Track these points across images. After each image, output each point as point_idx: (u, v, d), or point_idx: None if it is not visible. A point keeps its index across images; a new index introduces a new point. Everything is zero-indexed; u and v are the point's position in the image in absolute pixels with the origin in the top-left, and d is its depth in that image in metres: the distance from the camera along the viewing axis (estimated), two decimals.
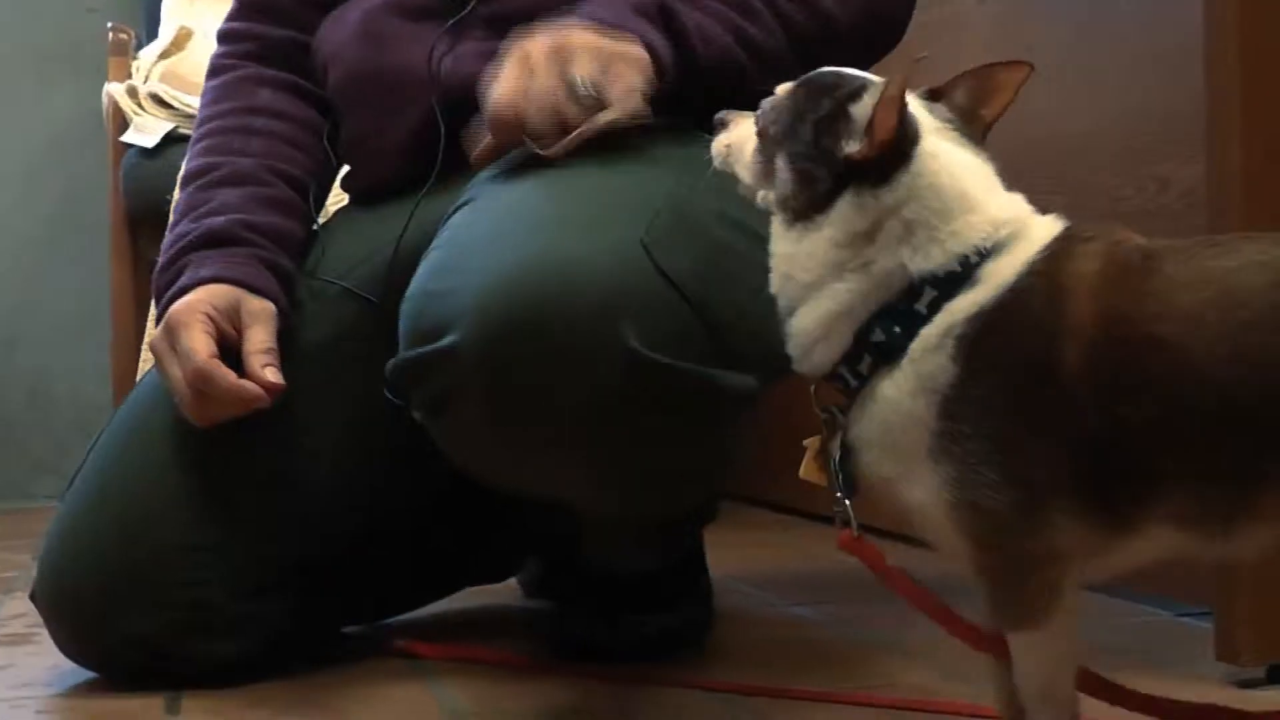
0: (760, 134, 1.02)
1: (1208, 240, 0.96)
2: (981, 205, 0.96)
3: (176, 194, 1.57)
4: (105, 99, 2.88)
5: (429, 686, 1.43)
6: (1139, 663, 1.42)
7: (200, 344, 1.36)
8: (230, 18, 1.64)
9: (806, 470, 1.04)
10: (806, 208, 0.97)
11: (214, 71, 1.62)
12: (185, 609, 1.41)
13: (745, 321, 1.20)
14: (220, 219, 1.45)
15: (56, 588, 1.43)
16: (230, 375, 1.35)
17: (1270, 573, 1.28)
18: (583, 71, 1.22)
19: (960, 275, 0.94)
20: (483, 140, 1.28)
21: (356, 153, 1.55)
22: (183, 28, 2.90)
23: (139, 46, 3.01)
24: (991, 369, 0.92)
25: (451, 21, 1.44)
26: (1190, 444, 0.89)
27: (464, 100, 1.31)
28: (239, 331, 1.39)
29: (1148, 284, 0.91)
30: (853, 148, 0.95)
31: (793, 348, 1.00)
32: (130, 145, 2.79)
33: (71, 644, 1.45)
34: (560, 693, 1.40)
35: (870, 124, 0.94)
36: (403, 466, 1.48)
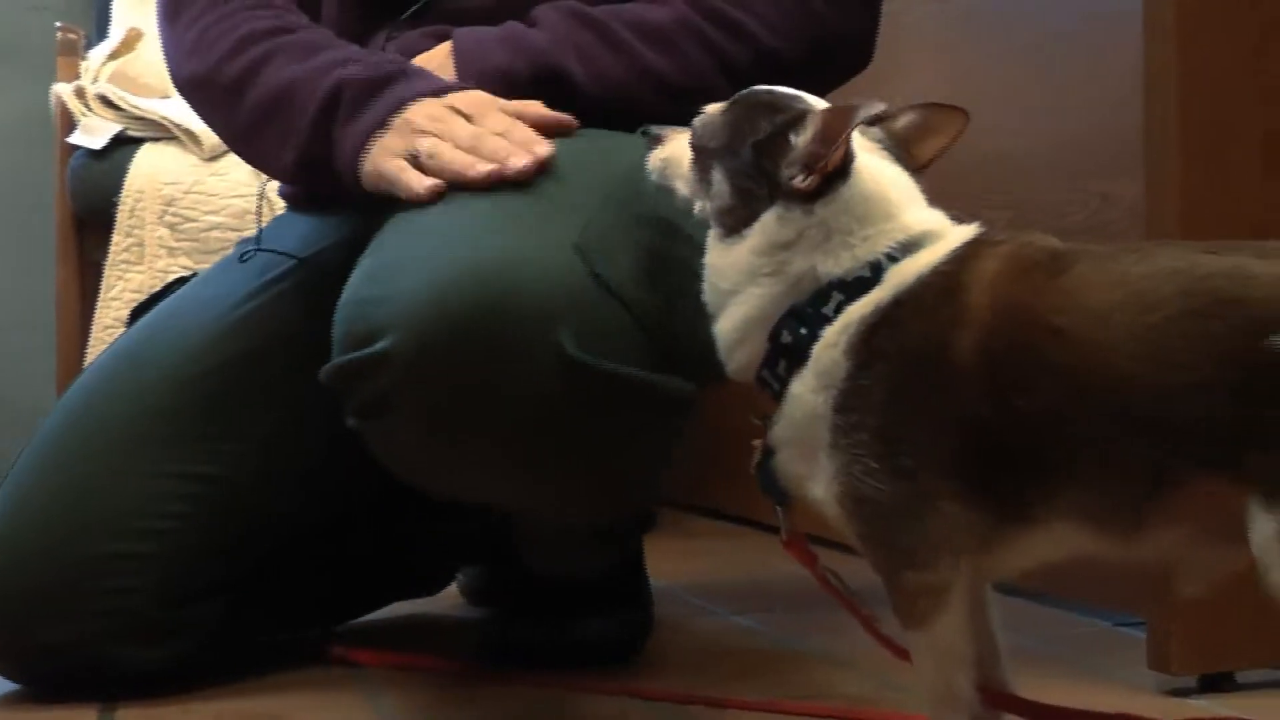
0: (696, 149, 1.05)
1: (1128, 246, 0.98)
2: (897, 215, 1.00)
3: (203, 60, 1.40)
4: (53, 99, 2.86)
5: (368, 695, 1.43)
6: (1074, 671, 1.43)
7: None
8: None
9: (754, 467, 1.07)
10: (742, 222, 1.02)
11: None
12: (111, 617, 1.39)
13: (682, 326, 1.20)
14: (370, 56, 1.35)
15: None
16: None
17: (1174, 581, 1.30)
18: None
19: (868, 280, 0.98)
20: None
21: None
22: (133, 29, 2.88)
23: (88, 46, 2.99)
24: (880, 359, 0.96)
25: (407, 14, 1.43)
26: (1089, 438, 0.90)
27: None
28: None
29: (1054, 280, 0.93)
30: (797, 178, 0.99)
31: (720, 353, 1.04)
32: (78, 146, 2.77)
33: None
34: (500, 701, 1.40)
35: (814, 159, 0.98)
36: (333, 475, 1.47)
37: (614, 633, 1.53)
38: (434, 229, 1.19)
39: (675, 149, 1.08)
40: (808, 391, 0.98)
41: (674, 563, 1.97)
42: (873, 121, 1.03)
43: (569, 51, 1.34)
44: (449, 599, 1.82)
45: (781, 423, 1.01)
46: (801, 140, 0.99)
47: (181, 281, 1.62)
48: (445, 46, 1.37)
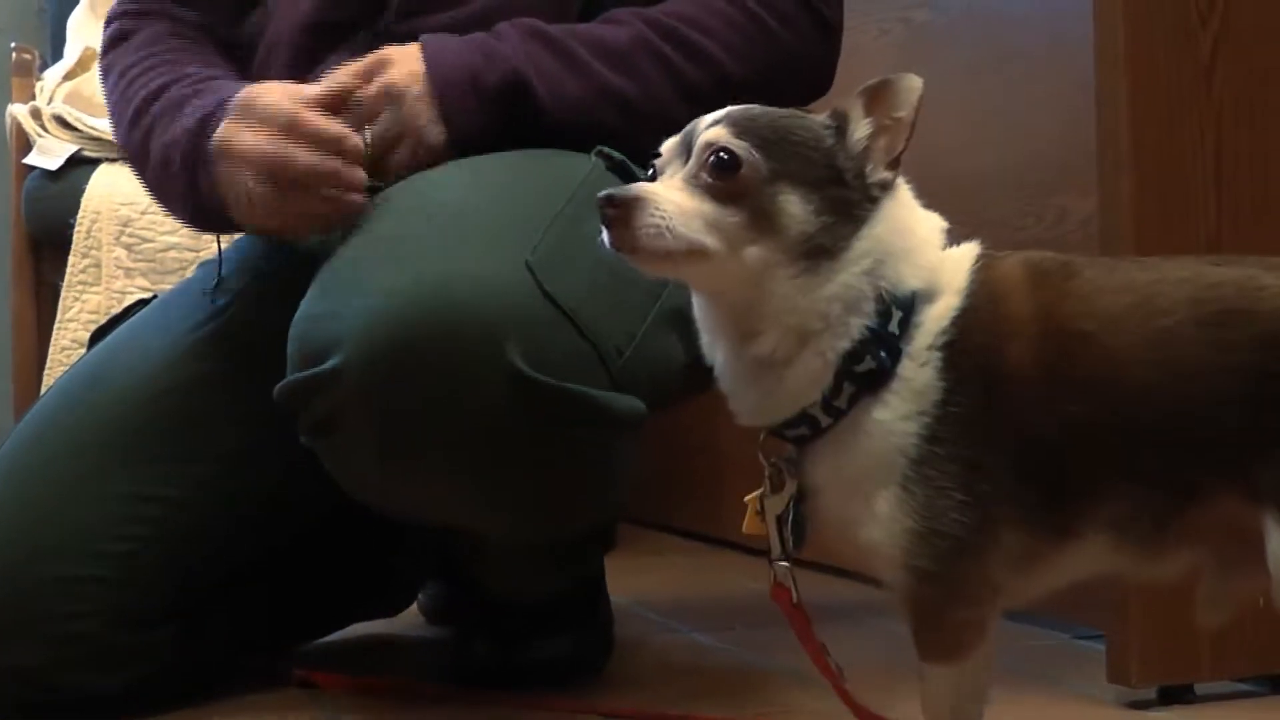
0: (740, 184, 0.92)
1: (1132, 259, 0.98)
2: (926, 215, 0.97)
3: (120, 131, 1.46)
4: (8, 120, 2.84)
5: (329, 716, 1.42)
6: (1035, 684, 1.44)
7: (277, 96, 1.27)
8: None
9: (750, 526, 1.02)
10: (839, 241, 0.92)
11: (106, 70, 1.51)
12: (67, 643, 1.38)
13: (633, 344, 1.21)
14: (214, 93, 1.35)
15: None
16: (323, 116, 1.26)
17: (1159, 598, 1.31)
18: (382, 128, 1.27)
19: (924, 293, 0.93)
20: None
21: None
22: (88, 48, 2.86)
23: (43, 67, 2.97)
24: (967, 379, 0.91)
25: (370, 36, 1.43)
26: (1117, 446, 0.90)
27: None
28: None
29: (1069, 285, 0.92)
30: (881, 174, 0.93)
31: (765, 411, 0.95)
32: (33, 167, 2.76)
33: None
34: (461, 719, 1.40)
35: (891, 146, 0.93)
36: (292, 497, 1.47)
37: (574, 651, 1.52)
38: (386, 245, 1.19)
39: (673, 202, 0.92)
40: (894, 417, 0.91)
41: (635, 579, 1.97)
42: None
43: (530, 68, 1.33)
44: (409, 619, 1.81)
45: (831, 463, 0.94)
46: (859, 134, 0.93)
47: (142, 304, 1.61)
48: (414, 47, 1.33)
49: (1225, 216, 1.37)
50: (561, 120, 1.33)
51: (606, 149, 1.15)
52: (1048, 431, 0.90)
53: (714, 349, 0.98)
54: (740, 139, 0.92)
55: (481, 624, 1.54)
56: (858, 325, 0.92)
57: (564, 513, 1.30)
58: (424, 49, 1.32)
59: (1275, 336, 0.87)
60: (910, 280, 0.93)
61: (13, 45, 2.97)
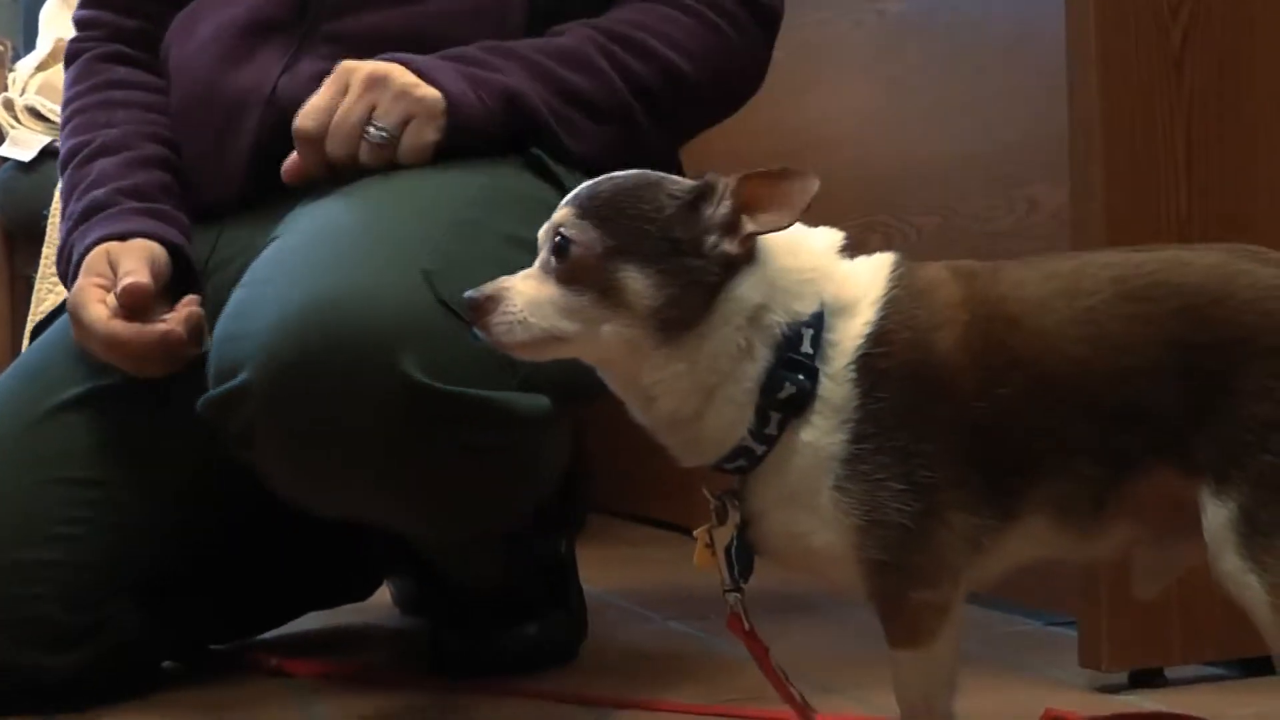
0: (580, 267, 0.94)
1: (1051, 255, 1.00)
2: (811, 242, 0.97)
3: (59, 187, 1.57)
4: None
5: (301, 705, 1.42)
6: (1007, 670, 1.45)
7: (96, 313, 1.36)
8: (81, 6, 1.66)
9: (700, 559, 1.03)
10: (695, 311, 0.93)
11: (70, 57, 1.64)
12: (22, 624, 1.38)
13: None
14: (100, 190, 1.46)
15: None
16: (132, 327, 1.35)
17: (1129, 581, 1.31)
18: (385, 113, 1.30)
19: (828, 310, 0.95)
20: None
21: (197, 173, 1.52)
22: (60, 40, 2.85)
23: (16, 58, 2.97)
24: (883, 379, 0.93)
25: (297, 37, 1.45)
26: (1056, 425, 0.91)
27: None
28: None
29: (995, 278, 0.95)
30: (731, 246, 0.93)
31: (705, 452, 0.97)
32: (6, 159, 2.75)
33: None
34: (432, 708, 1.39)
35: (736, 223, 0.93)
36: (246, 483, 1.47)
37: (544, 638, 1.53)
38: (288, 265, 1.23)
39: (523, 294, 0.95)
40: (820, 435, 0.93)
41: (607, 569, 1.98)
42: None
43: (519, 80, 1.35)
44: (381, 608, 1.81)
45: (771, 485, 0.96)
46: (711, 210, 0.93)
47: None
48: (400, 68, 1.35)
49: (1195, 207, 1.38)
50: (524, 117, 1.35)
51: (535, 149, 1.18)
52: (984, 416, 0.92)
53: (629, 408, 0.99)
54: (581, 219, 0.94)
55: (450, 614, 1.54)
56: (761, 363, 0.94)
57: (481, 511, 1.32)
58: (390, 57, 1.34)
59: (1199, 309, 0.89)
60: (809, 305, 0.95)
61: None
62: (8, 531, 1.39)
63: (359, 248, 1.23)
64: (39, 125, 2.74)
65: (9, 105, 2.77)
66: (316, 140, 1.32)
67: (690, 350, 0.93)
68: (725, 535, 1.00)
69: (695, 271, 0.93)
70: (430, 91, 1.32)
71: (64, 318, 1.47)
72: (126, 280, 1.34)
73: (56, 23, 2.93)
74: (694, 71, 1.41)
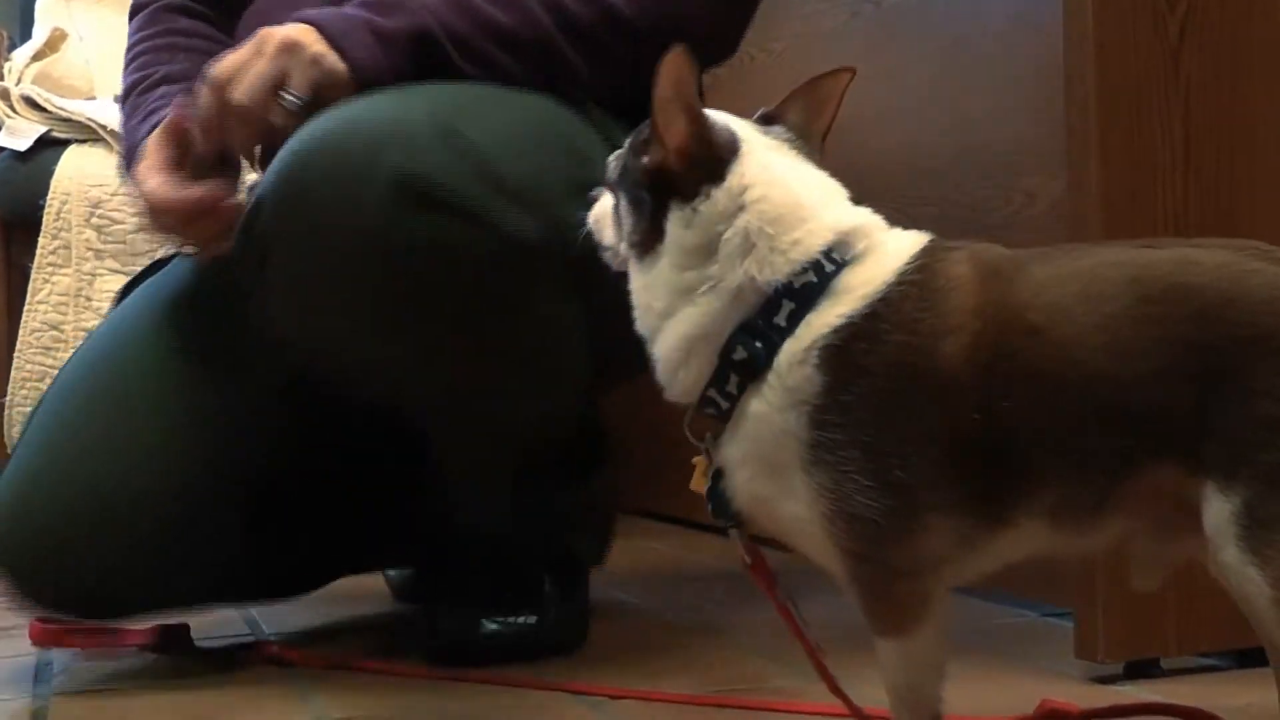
0: (610, 189, 1.05)
1: (1066, 246, 0.99)
2: (819, 214, 0.97)
3: (118, 118, 1.67)
4: None
5: (300, 694, 1.42)
6: (1002, 661, 1.45)
7: (149, 185, 1.43)
8: None
9: (696, 483, 1.03)
10: (646, 237, 0.98)
11: (137, 9, 1.73)
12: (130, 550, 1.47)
13: (539, 187, 1.32)
14: (166, 112, 1.50)
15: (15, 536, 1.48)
16: (176, 189, 1.42)
17: (1128, 574, 1.32)
18: (297, 82, 1.36)
19: (816, 286, 0.94)
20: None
21: None
22: (56, 29, 2.86)
23: (12, 48, 2.96)
24: (863, 375, 0.92)
25: None
26: (1063, 437, 0.91)
27: None
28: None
29: (1018, 279, 0.93)
30: (647, 159, 0.97)
31: (660, 376, 1.00)
32: (3, 149, 2.74)
33: (31, 584, 1.48)
34: (431, 697, 1.40)
35: (655, 132, 0.96)
36: (280, 448, 1.56)
37: (544, 628, 1.53)
38: (310, 121, 1.34)
39: (598, 206, 1.07)
40: (772, 410, 0.94)
41: (608, 562, 1.98)
42: (770, 120, 1.02)
43: (431, 19, 1.40)
44: (379, 596, 1.82)
45: (736, 442, 0.97)
46: (640, 135, 0.99)
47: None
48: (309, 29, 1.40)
49: (1193, 199, 1.38)
50: (462, 64, 1.40)
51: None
52: (981, 427, 0.90)
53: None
54: (616, 159, 1.05)
55: (451, 600, 1.54)
56: (726, 319, 0.96)
57: (485, 370, 1.38)
58: (306, 15, 1.40)
59: (1212, 310, 0.89)
60: (783, 272, 0.95)
61: None
62: (133, 456, 1.49)
63: (376, 95, 1.34)
64: (35, 115, 2.74)
65: (5, 95, 2.77)
66: (222, 86, 1.37)
67: (646, 272, 0.99)
68: (700, 481, 1.02)
69: (644, 200, 0.99)
70: (337, 65, 1.37)
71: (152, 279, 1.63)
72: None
73: (53, 13, 2.93)
74: (634, 15, 1.43)
